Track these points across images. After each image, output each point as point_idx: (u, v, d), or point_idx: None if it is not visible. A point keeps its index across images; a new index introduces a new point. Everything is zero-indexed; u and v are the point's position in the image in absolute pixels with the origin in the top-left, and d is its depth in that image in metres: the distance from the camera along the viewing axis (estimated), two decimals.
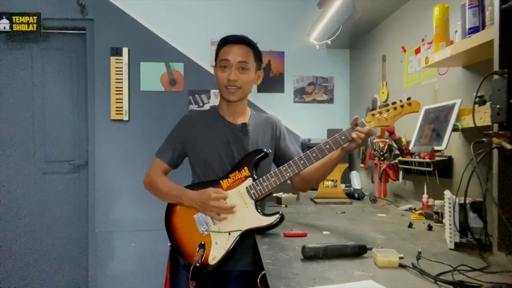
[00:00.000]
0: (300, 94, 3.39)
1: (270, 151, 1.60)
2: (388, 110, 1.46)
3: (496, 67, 1.14)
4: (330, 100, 3.41)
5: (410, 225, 1.61)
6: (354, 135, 1.44)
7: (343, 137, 1.46)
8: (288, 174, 1.47)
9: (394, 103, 1.48)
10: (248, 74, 1.57)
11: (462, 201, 1.24)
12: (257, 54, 1.61)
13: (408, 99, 1.47)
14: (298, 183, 1.64)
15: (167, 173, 1.65)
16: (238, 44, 1.57)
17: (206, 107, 3.21)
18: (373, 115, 1.47)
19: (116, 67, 3.19)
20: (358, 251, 1.17)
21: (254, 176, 1.51)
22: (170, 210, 1.58)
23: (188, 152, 1.64)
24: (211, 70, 3.12)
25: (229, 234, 1.47)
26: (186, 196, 1.52)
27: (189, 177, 1.70)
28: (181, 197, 1.53)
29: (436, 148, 1.63)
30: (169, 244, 1.57)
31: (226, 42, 1.58)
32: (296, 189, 1.79)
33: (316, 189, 2.41)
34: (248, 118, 1.66)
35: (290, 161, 1.48)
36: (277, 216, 1.46)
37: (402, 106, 1.46)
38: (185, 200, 1.52)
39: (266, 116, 1.75)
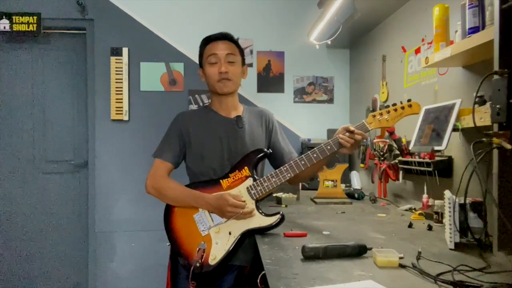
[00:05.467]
0: (300, 94, 3.39)
1: (271, 151, 1.61)
2: (388, 112, 1.45)
3: (496, 67, 1.14)
4: (330, 100, 3.41)
5: (410, 225, 1.61)
6: (341, 141, 1.43)
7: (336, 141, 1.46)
8: (289, 175, 1.47)
9: (394, 104, 1.47)
10: (236, 66, 1.63)
11: (462, 201, 1.24)
12: (240, 49, 1.68)
13: (409, 100, 1.46)
14: (289, 179, 1.60)
15: (170, 172, 1.62)
16: (222, 40, 1.63)
17: None
18: (374, 116, 1.47)
19: (116, 67, 3.19)
20: (358, 251, 1.17)
21: (255, 176, 1.51)
22: (169, 209, 1.57)
23: (186, 147, 1.63)
24: None
25: (230, 234, 1.47)
26: (203, 200, 1.50)
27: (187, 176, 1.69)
28: (198, 201, 1.51)
29: (436, 148, 1.63)
30: (168, 244, 1.57)
31: (209, 40, 1.64)
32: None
33: (317, 189, 2.41)
34: (242, 111, 1.69)
35: (291, 162, 1.48)
36: (278, 216, 1.47)
37: (402, 108, 1.45)
38: (202, 204, 1.50)
39: (259, 109, 1.79)
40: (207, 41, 1.65)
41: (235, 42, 1.66)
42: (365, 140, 2.65)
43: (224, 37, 1.64)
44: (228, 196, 1.45)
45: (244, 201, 1.46)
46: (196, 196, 1.51)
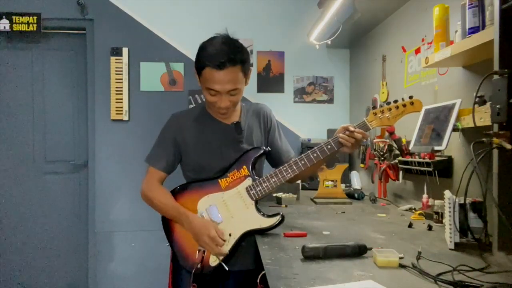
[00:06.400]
0: (300, 94, 3.39)
1: (269, 149, 1.59)
2: (390, 109, 1.42)
3: (496, 67, 1.14)
4: (330, 100, 3.41)
5: (410, 225, 1.61)
6: (341, 140, 1.41)
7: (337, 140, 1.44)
8: (289, 175, 1.45)
9: (396, 101, 1.43)
10: (239, 93, 1.47)
11: (462, 201, 1.24)
12: (245, 65, 1.44)
13: (410, 97, 1.43)
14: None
15: (163, 180, 1.59)
16: (225, 69, 1.38)
17: None
18: (375, 114, 1.43)
19: (116, 67, 3.19)
20: (358, 251, 1.17)
21: (254, 176, 1.49)
22: None
23: (182, 155, 1.59)
24: None
25: (230, 235, 1.46)
26: (186, 220, 1.46)
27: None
28: (181, 219, 1.48)
29: (436, 148, 1.63)
30: (167, 244, 1.56)
31: (207, 64, 1.39)
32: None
33: (317, 189, 2.41)
34: (239, 113, 1.61)
35: (291, 161, 1.46)
36: (278, 217, 1.45)
37: (404, 105, 1.42)
38: (184, 224, 1.47)
39: (256, 107, 1.69)
40: (205, 64, 1.40)
41: (239, 61, 1.40)
42: (365, 140, 2.65)
43: (226, 63, 1.37)
44: (213, 228, 1.42)
45: (224, 241, 1.43)
46: (180, 215, 1.48)
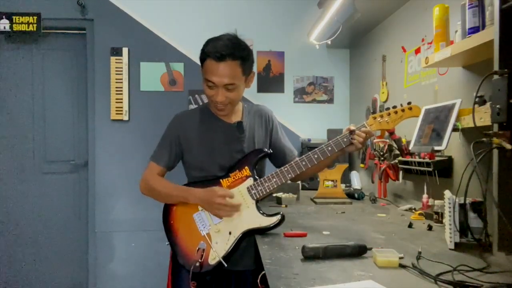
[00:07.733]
0: (300, 94, 3.39)
1: (271, 151, 1.60)
2: (389, 114, 1.48)
3: (496, 67, 1.14)
4: (330, 100, 3.41)
5: (410, 225, 1.61)
6: (353, 139, 1.45)
7: (345, 139, 1.47)
8: (289, 175, 1.47)
9: (394, 107, 1.49)
10: (236, 90, 1.49)
11: (462, 201, 1.24)
12: (246, 63, 1.48)
13: (409, 103, 1.49)
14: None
15: (162, 176, 1.62)
16: (224, 61, 1.42)
17: None
18: (375, 118, 1.49)
19: (116, 67, 3.19)
20: (358, 251, 1.17)
21: (255, 176, 1.51)
22: (168, 209, 1.57)
23: (184, 153, 1.61)
24: None
25: (230, 234, 1.47)
26: (191, 194, 1.50)
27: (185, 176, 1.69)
28: (186, 196, 1.51)
29: (436, 148, 1.63)
30: (167, 243, 1.56)
31: (209, 55, 1.44)
32: None
33: (317, 189, 2.41)
34: (241, 114, 1.64)
35: (292, 162, 1.48)
36: (278, 217, 1.46)
37: (403, 110, 1.48)
38: (191, 198, 1.50)
39: (258, 108, 1.71)
40: (207, 55, 1.45)
41: (239, 58, 1.44)
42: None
43: (226, 56, 1.42)
44: (217, 187, 1.47)
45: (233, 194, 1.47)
46: (184, 191, 1.52)
